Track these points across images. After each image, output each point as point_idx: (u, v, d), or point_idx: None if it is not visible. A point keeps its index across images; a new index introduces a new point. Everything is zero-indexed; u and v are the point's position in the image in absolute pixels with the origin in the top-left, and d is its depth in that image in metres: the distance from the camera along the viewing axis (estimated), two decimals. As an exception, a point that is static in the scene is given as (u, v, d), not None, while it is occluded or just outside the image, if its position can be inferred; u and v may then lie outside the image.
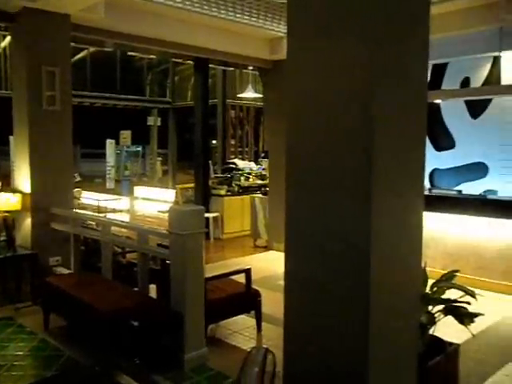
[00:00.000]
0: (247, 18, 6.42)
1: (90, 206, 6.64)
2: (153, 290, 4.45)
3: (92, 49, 12.42)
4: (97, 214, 5.93)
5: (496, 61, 6.96)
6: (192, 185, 9.46)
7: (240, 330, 4.54)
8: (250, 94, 10.71)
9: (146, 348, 3.57)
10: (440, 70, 8.40)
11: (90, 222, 5.54)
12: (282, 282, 2.42)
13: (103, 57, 13.47)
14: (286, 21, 2.32)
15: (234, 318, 4.48)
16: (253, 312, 4.49)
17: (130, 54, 12.37)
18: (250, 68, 10.69)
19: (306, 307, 2.31)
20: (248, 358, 2.40)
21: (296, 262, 2.35)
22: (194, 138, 9.22)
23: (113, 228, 4.83)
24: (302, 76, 2.26)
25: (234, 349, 4.15)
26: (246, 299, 4.41)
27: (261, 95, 10.71)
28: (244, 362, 2.40)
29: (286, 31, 2.33)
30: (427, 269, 3.06)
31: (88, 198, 6.99)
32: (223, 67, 11.91)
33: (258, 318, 4.48)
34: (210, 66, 9.77)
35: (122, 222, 5.45)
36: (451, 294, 2.93)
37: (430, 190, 6.54)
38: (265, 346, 3.74)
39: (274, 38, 7.39)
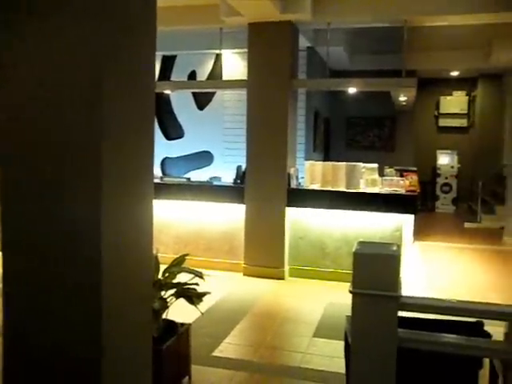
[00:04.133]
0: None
1: None
2: None
3: None
4: None
5: (218, 58, 7.55)
6: None
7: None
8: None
9: None
10: (169, 62, 8.70)
11: None
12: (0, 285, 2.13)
13: None
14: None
15: None
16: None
17: None
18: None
19: (29, 309, 2.09)
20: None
21: (16, 260, 2.10)
22: None
23: None
24: (16, 65, 2.00)
25: None
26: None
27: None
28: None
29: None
30: (160, 255, 3.13)
31: None
32: None
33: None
34: None
35: None
36: (183, 277, 3.07)
37: (161, 178, 6.72)
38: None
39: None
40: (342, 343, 2.39)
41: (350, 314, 2.14)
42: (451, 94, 12.78)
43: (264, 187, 6.00)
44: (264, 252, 6.01)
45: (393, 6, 5.68)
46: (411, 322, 2.21)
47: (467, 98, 12.71)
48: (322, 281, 5.83)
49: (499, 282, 6.24)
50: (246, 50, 6.18)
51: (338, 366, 3.43)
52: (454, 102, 12.79)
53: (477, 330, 2.19)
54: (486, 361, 2.26)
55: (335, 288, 5.49)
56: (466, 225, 10.12)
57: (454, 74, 11.76)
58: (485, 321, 2.20)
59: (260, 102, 6.05)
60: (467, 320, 2.18)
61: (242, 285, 5.80)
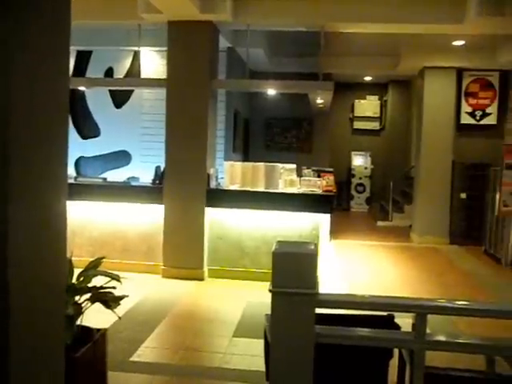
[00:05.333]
0: None
1: None
2: None
3: None
4: None
5: (136, 55, 7.37)
6: None
7: None
8: None
9: None
10: (84, 57, 8.37)
11: None
12: None
13: None
14: None
15: None
16: None
17: None
18: None
19: None
20: None
21: None
22: None
23: None
24: None
25: None
26: None
27: None
28: None
29: None
30: (74, 258, 3.00)
31: None
32: None
33: None
34: None
35: None
36: (99, 281, 2.95)
37: (75, 178, 6.45)
38: None
39: None
40: (261, 342, 2.42)
41: (269, 312, 2.17)
42: (365, 98, 13.38)
43: (183, 187, 5.94)
44: (183, 253, 5.95)
45: (311, 11, 5.84)
46: (329, 318, 2.28)
47: (379, 102, 13.37)
48: (242, 281, 5.87)
49: (408, 276, 6.63)
50: (165, 48, 6.09)
51: (258, 364, 3.46)
52: (368, 106, 13.41)
53: (388, 322, 2.31)
54: (396, 350, 2.39)
55: (255, 287, 5.54)
56: (379, 223, 10.65)
57: (368, 79, 12.32)
58: (396, 313, 2.32)
59: (179, 101, 5.98)
60: (380, 314, 2.29)
61: (161, 287, 5.70)
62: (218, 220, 6.03)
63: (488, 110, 8.86)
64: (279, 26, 6.76)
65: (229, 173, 6.05)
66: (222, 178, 6.25)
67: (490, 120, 8.87)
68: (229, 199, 5.91)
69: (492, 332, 2.68)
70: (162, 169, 6.16)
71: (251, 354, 3.87)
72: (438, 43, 7.82)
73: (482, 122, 8.89)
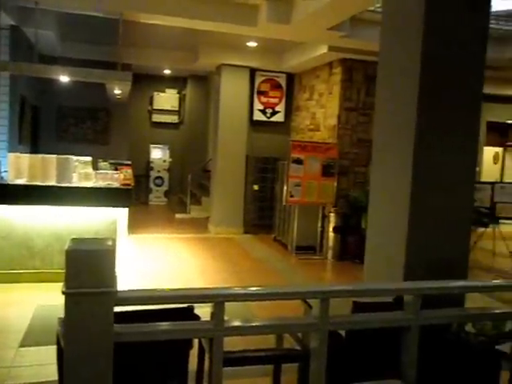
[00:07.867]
0: None
1: None
2: None
3: None
4: None
5: None
6: None
7: None
8: None
9: None
10: None
11: None
12: None
13: None
14: None
15: None
16: None
17: None
18: None
19: None
20: None
21: None
22: None
23: None
24: None
25: None
26: None
27: None
28: None
29: None
30: None
31: None
32: None
33: None
34: None
35: None
36: None
37: None
38: None
39: None
40: (54, 348, 2.23)
41: (63, 315, 2.00)
42: (164, 91, 13.40)
43: (-43, 181, 5.17)
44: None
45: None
46: (129, 315, 2.21)
47: (178, 95, 13.52)
48: (32, 283, 5.35)
49: (206, 266, 6.86)
50: None
51: (51, 372, 3.19)
52: (167, 99, 13.46)
53: (188, 314, 2.33)
54: (196, 339, 2.44)
55: (47, 290, 5.10)
56: (177, 216, 10.80)
57: (167, 72, 12.35)
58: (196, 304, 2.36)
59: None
60: (180, 306, 2.30)
61: None
62: (0, 218, 5.39)
63: (277, 109, 9.66)
64: (73, 8, 6.32)
65: (14, 165, 5.45)
66: (5, 171, 5.61)
67: (279, 118, 9.70)
68: (14, 195, 5.32)
69: (280, 312, 2.92)
70: None
71: (42, 363, 3.55)
72: (234, 43, 8.23)
73: (272, 119, 9.66)
